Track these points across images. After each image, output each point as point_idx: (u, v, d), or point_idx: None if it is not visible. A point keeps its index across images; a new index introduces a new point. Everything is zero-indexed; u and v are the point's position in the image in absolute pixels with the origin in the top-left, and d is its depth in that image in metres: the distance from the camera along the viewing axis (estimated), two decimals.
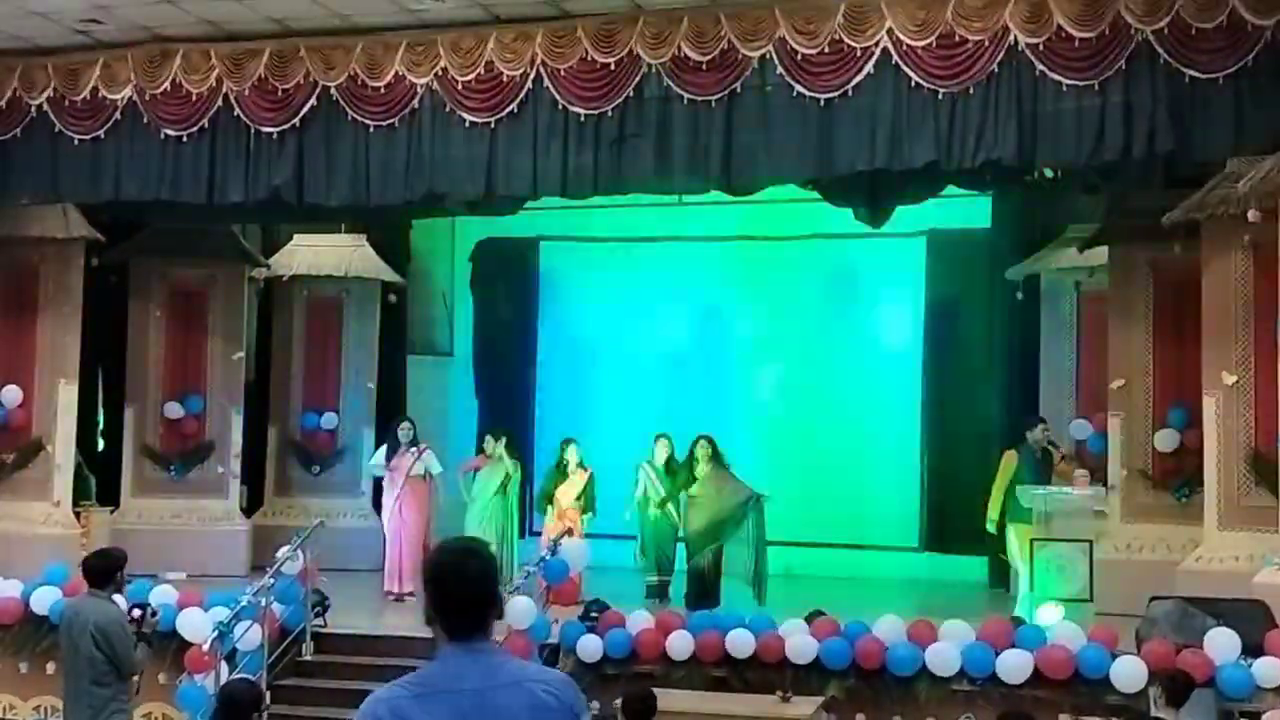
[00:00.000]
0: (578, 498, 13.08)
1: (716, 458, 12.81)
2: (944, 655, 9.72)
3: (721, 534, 12.50)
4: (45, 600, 11.19)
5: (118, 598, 7.95)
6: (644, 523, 13.12)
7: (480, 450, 13.96)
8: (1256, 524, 10.92)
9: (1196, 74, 9.89)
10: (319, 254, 15.95)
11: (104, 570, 7.68)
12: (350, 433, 15.91)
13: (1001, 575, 14.06)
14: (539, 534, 13.58)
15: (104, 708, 7.48)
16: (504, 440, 13.57)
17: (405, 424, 13.50)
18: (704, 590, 12.44)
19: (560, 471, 13.29)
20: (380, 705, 3.34)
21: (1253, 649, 9.25)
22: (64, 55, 12.34)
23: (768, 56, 10.80)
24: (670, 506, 12.97)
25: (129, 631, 7.56)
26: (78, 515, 13.52)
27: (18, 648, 11.35)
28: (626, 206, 15.16)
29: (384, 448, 13.53)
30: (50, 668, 11.08)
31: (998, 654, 9.64)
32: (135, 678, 7.73)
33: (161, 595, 10.91)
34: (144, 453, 15.04)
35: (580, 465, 13.13)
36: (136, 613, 7.82)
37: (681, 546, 13.07)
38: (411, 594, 13.03)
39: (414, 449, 13.25)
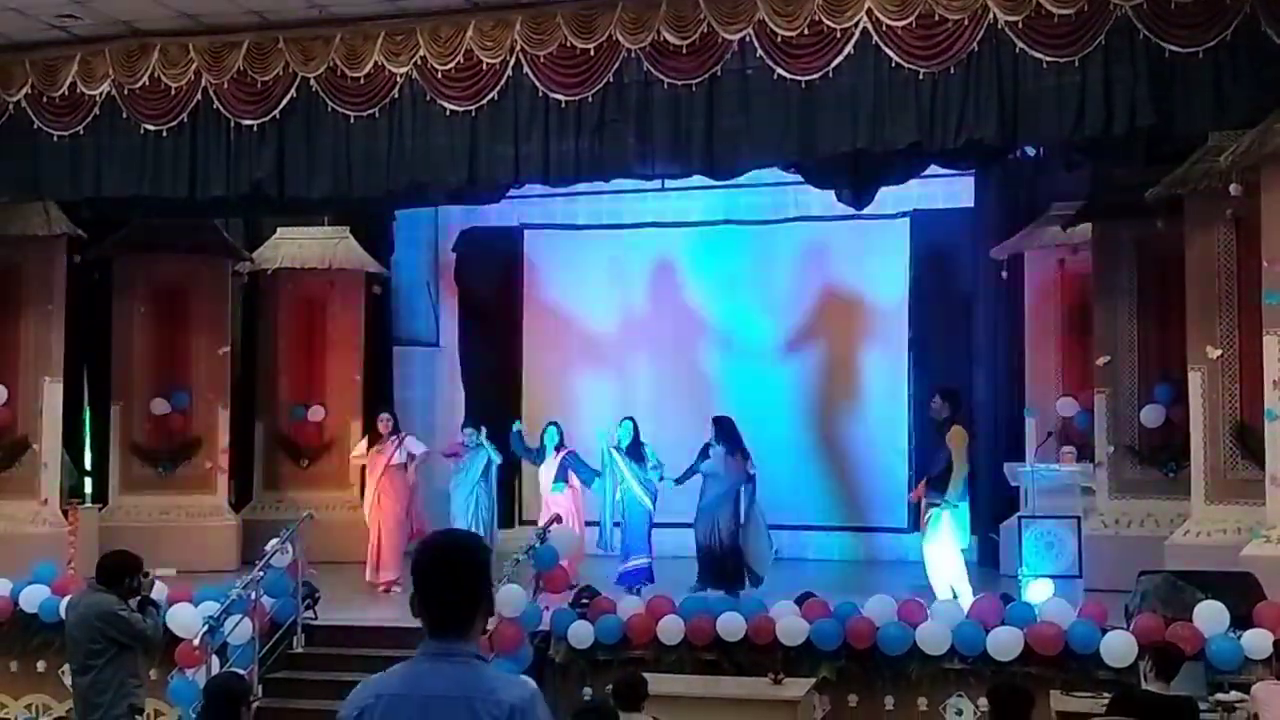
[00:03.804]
0: (556, 481, 12.94)
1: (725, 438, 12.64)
2: (935, 634, 9.74)
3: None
4: (34, 598, 11.16)
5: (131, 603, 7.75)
6: (615, 506, 12.73)
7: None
8: (1243, 497, 10.96)
9: (1176, 48, 9.89)
10: (302, 247, 15.90)
11: (113, 569, 7.60)
12: (337, 425, 15.87)
13: (991, 554, 14.11)
14: (530, 522, 13.44)
15: (116, 690, 7.36)
16: (483, 430, 13.42)
17: (385, 416, 13.51)
18: (723, 570, 12.20)
19: (540, 455, 13.15)
20: (359, 693, 3.36)
21: (1241, 621, 9.28)
22: (41, 51, 12.27)
23: (747, 39, 10.78)
24: (639, 489, 12.71)
25: (128, 609, 7.47)
26: (65, 513, 13.49)
27: (8, 646, 11.32)
28: (609, 193, 15.17)
29: (365, 440, 13.54)
30: (41, 665, 11.10)
31: (988, 632, 9.67)
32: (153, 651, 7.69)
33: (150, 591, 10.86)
34: (131, 450, 15.01)
35: (556, 448, 13.00)
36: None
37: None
38: (395, 582, 12.95)
39: (394, 438, 13.29)
